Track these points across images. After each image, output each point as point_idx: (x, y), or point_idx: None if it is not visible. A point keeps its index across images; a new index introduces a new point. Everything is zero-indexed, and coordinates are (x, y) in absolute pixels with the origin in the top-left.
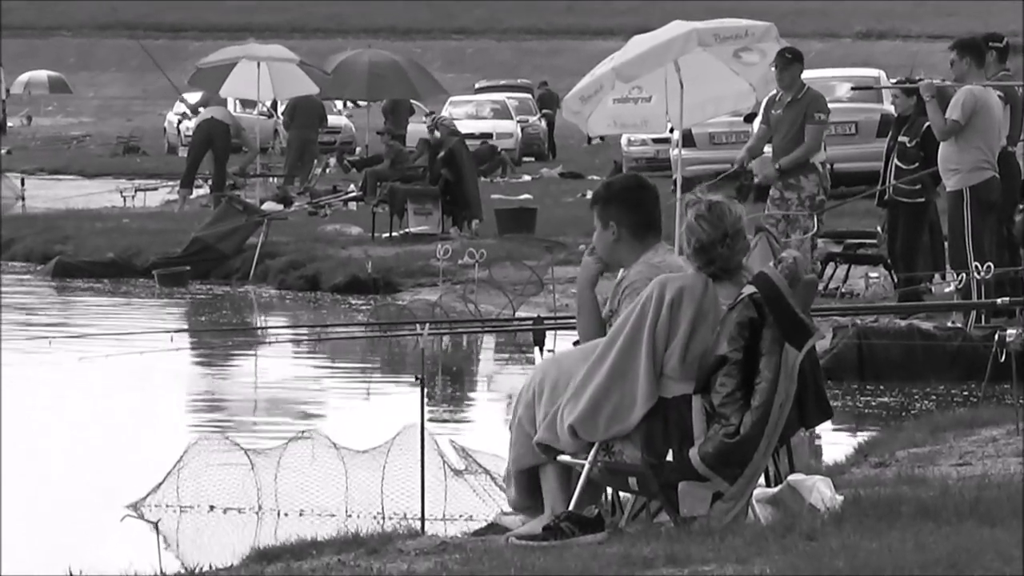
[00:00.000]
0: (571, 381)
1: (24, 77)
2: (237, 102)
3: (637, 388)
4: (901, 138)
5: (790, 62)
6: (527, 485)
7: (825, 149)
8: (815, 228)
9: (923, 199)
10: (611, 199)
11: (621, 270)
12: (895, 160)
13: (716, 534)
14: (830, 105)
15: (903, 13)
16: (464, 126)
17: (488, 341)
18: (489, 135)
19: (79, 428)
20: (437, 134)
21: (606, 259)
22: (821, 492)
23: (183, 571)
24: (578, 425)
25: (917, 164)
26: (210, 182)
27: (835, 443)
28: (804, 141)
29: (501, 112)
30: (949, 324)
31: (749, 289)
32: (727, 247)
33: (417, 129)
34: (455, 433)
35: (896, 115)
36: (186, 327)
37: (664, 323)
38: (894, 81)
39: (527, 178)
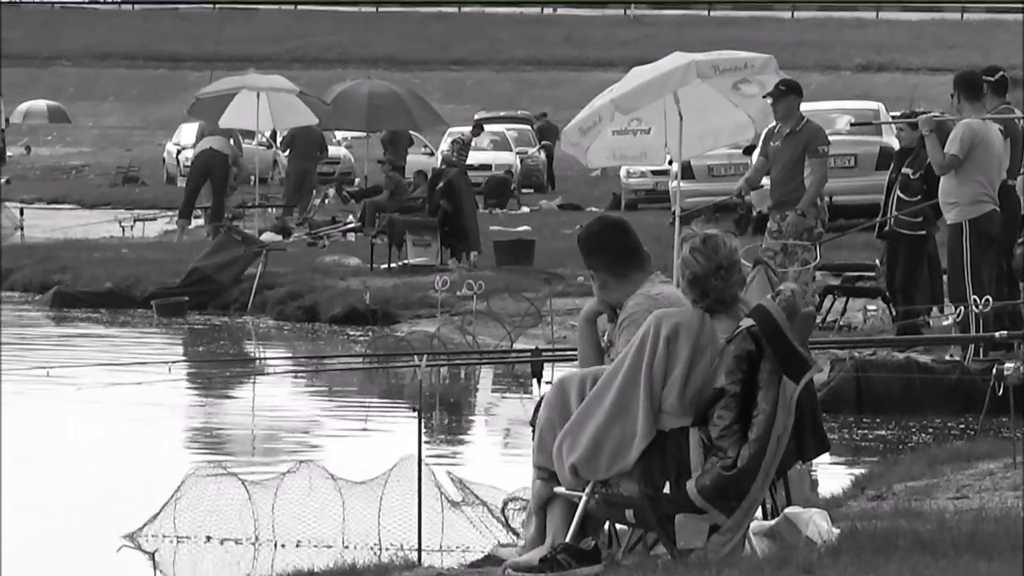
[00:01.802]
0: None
1: (23, 107)
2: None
3: (636, 425)
4: (905, 170)
5: (784, 94)
6: (543, 522)
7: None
8: (814, 261)
9: (923, 232)
10: (583, 250)
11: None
12: (897, 192)
13: (713, 566)
14: (830, 138)
15: (903, 46)
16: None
17: (486, 373)
18: (489, 166)
19: (76, 458)
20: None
21: (600, 304)
22: (818, 525)
23: None
24: (580, 465)
25: (920, 196)
26: (208, 212)
27: (832, 476)
28: (809, 175)
29: (500, 144)
30: (947, 357)
31: (747, 322)
32: (721, 279)
33: (416, 160)
34: (452, 464)
35: (899, 147)
36: (184, 357)
37: (661, 359)
38: (893, 115)
39: (526, 210)
